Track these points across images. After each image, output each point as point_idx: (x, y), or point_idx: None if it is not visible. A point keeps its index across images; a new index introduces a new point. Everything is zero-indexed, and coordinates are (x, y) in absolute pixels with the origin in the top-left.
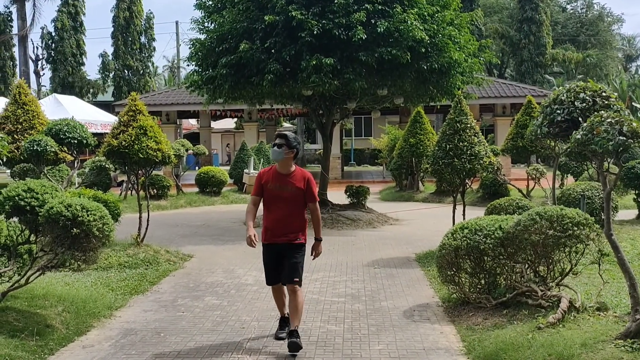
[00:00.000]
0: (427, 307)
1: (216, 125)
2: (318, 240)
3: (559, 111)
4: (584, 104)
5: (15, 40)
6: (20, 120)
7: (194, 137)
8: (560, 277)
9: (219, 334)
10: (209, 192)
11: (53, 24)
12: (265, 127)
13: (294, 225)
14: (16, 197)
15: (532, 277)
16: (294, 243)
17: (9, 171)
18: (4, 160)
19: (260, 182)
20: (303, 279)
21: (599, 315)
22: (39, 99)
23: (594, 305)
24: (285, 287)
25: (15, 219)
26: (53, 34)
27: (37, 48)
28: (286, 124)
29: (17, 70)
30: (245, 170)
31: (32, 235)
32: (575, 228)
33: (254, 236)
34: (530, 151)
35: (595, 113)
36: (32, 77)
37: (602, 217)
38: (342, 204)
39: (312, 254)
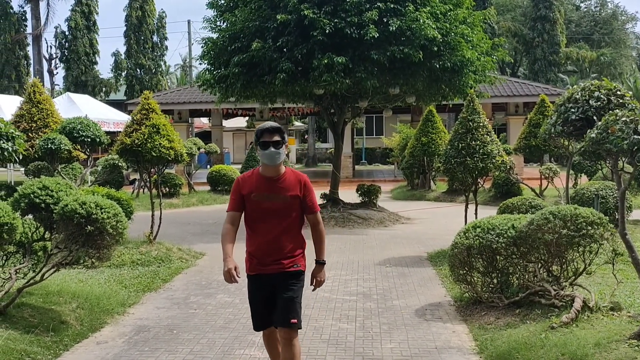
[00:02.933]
0: (439, 306)
1: (228, 124)
2: (320, 263)
3: (573, 110)
4: (599, 103)
5: (30, 40)
6: (35, 119)
7: (205, 136)
8: (573, 277)
9: (231, 331)
10: (220, 191)
11: (67, 23)
12: None
13: (288, 248)
14: (31, 195)
15: (545, 277)
16: (290, 271)
17: (23, 169)
18: (20, 158)
19: (239, 192)
20: None
21: (613, 315)
22: (53, 98)
23: (608, 305)
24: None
25: (30, 216)
26: (67, 33)
27: (51, 47)
28: (271, 122)
29: (31, 69)
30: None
31: (47, 232)
32: (589, 227)
33: (235, 269)
34: (543, 150)
35: (610, 112)
36: (46, 76)
37: (616, 216)
38: (353, 202)
39: (312, 283)
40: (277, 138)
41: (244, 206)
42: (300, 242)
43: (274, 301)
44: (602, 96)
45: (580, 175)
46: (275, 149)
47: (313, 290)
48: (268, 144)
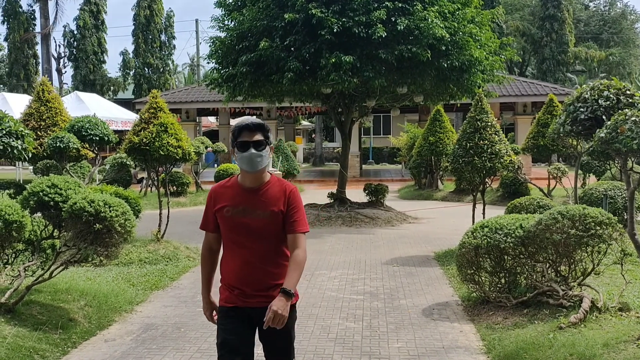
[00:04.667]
0: (447, 306)
1: (235, 122)
2: (285, 292)
3: (582, 109)
4: (608, 102)
5: (38, 39)
6: (44, 117)
7: (213, 135)
8: (582, 277)
9: None
10: None
11: (75, 22)
12: (284, 125)
13: (272, 274)
14: (40, 193)
15: (553, 277)
16: None
17: (31, 167)
18: (29, 156)
19: (211, 206)
20: (321, 276)
21: (621, 315)
22: (61, 97)
23: (616, 305)
24: None
25: (39, 214)
26: (75, 32)
27: (60, 46)
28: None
29: (40, 68)
30: None
31: (56, 230)
32: (598, 227)
33: (212, 313)
34: (552, 150)
35: (620, 111)
36: (54, 74)
37: (625, 216)
38: (360, 202)
39: (264, 317)
40: (258, 137)
41: (217, 224)
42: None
43: (252, 344)
44: (611, 95)
45: (589, 175)
46: (256, 151)
47: (264, 327)
48: (247, 145)
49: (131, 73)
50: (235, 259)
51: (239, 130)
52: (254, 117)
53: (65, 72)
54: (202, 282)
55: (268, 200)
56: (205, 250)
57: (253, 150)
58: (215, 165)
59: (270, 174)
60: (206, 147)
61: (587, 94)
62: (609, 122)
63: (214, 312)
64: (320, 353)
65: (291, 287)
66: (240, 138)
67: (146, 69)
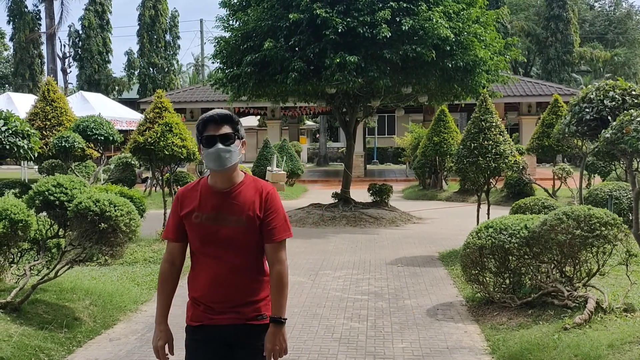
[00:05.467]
0: (451, 306)
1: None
2: (276, 321)
3: (587, 110)
4: (614, 103)
5: (44, 39)
6: (49, 117)
7: None
8: (587, 278)
9: None
10: None
11: (80, 22)
12: (288, 125)
13: (248, 289)
14: (46, 192)
15: (558, 277)
16: (253, 324)
17: (36, 167)
18: (35, 156)
19: (177, 212)
20: (325, 276)
21: (626, 316)
22: (66, 96)
23: (621, 306)
24: None
25: (45, 214)
26: (80, 32)
27: (65, 46)
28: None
29: (45, 67)
30: (267, 168)
31: (61, 229)
32: (603, 228)
33: (167, 345)
34: (557, 150)
35: (625, 112)
36: (60, 74)
37: (631, 217)
38: (365, 202)
39: (264, 352)
40: (226, 130)
41: (184, 232)
42: (265, 282)
43: None
44: (616, 96)
45: (594, 176)
46: (224, 146)
47: None
48: (213, 140)
49: (136, 73)
50: (204, 272)
51: (203, 124)
52: (222, 109)
53: (70, 71)
54: (157, 304)
55: (242, 203)
56: (166, 264)
57: (220, 145)
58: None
59: (245, 173)
60: None
61: (592, 94)
62: (614, 123)
63: (167, 346)
64: (324, 353)
65: (282, 314)
66: (205, 132)
67: (151, 69)
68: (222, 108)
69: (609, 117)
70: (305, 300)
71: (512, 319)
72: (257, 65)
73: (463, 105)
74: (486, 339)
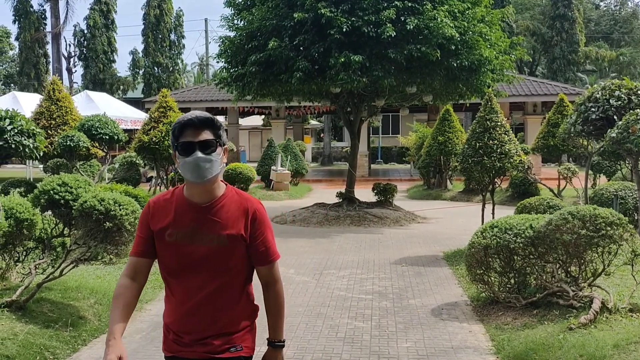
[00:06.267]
0: (456, 306)
1: (244, 122)
2: (276, 346)
3: (593, 109)
4: (619, 102)
5: (49, 38)
6: (54, 116)
7: None
8: (592, 278)
9: None
10: None
11: (85, 21)
12: (293, 125)
13: (224, 320)
14: (51, 191)
15: (563, 277)
16: (224, 358)
17: (41, 166)
18: (41, 155)
19: (147, 226)
20: (330, 275)
21: (632, 316)
22: (71, 96)
23: (627, 306)
24: None
25: (50, 213)
26: (85, 31)
27: (70, 45)
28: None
29: (50, 67)
30: (272, 167)
31: (66, 228)
32: (609, 228)
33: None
34: (562, 150)
35: (631, 111)
36: (65, 74)
37: (636, 217)
38: (369, 201)
39: None
40: (207, 136)
41: (154, 249)
42: (246, 310)
43: None
44: (622, 95)
45: (599, 176)
46: (204, 155)
47: None
48: (192, 147)
49: (141, 72)
50: (175, 297)
51: (180, 128)
52: (202, 111)
53: (76, 71)
54: (110, 320)
55: (224, 220)
56: (126, 278)
57: (199, 154)
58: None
59: (226, 184)
60: None
61: (598, 93)
62: (620, 122)
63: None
64: (329, 352)
65: (281, 337)
66: (182, 138)
67: (156, 68)
68: (225, 107)
69: (615, 117)
70: (310, 300)
71: (517, 318)
72: (261, 65)
73: (468, 105)
74: (491, 338)
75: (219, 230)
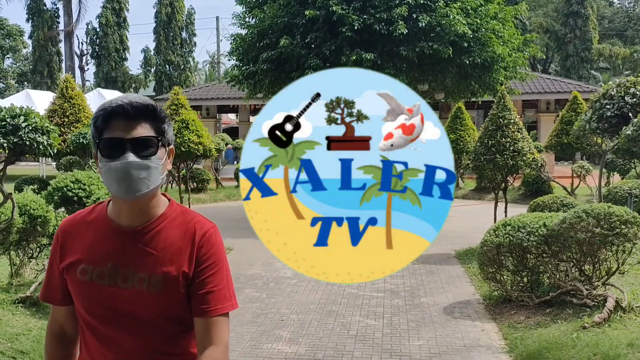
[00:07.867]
0: (468, 304)
1: (255, 120)
2: None
3: (608, 106)
4: (635, 99)
5: (62, 36)
6: (67, 114)
7: (233, 132)
8: (606, 276)
9: (259, 325)
10: None
11: (98, 20)
12: None
13: None
14: (64, 188)
15: (577, 276)
16: None
17: (54, 163)
18: (55, 152)
19: (56, 259)
20: None
21: None
22: (84, 93)
23: None
24: None
25: (63, 209)
26: (97, 29)
27: (82, 44)
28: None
29: (63, 65)
30: None
31: None
32: (623, 226)
33: None
34: (576, 148)
35: None
36: (77, 72)
37: None
38: None
39: None
40: (143, 132)
41: (66, 293)
42: None
43: None
44: (637, 92)
45: (613, 174)
46: (138, 158)
47: None
48: (120, 146)
49: (152, 70)
50: (91, 355)
51: (105, 117)
52: (141, 95)
53: (88, 69)
54: None
55: (160, 252)
56: (51, 337)
57: (132, 157)
58: (235, 162)
59: (169, 199)
60: (226, 144)
61: (613, 90)
62: (635, 120)
63: None
64: (340, 349)
65: None
66: (107, 132)
67: (167, 66)
68: (237, 105)
69: (630, 114)
70: (321, 297)
71: (530, 317)
72: (273, 63)
73: (480, 103)
74: (504, 337)
75: (151, 267)
